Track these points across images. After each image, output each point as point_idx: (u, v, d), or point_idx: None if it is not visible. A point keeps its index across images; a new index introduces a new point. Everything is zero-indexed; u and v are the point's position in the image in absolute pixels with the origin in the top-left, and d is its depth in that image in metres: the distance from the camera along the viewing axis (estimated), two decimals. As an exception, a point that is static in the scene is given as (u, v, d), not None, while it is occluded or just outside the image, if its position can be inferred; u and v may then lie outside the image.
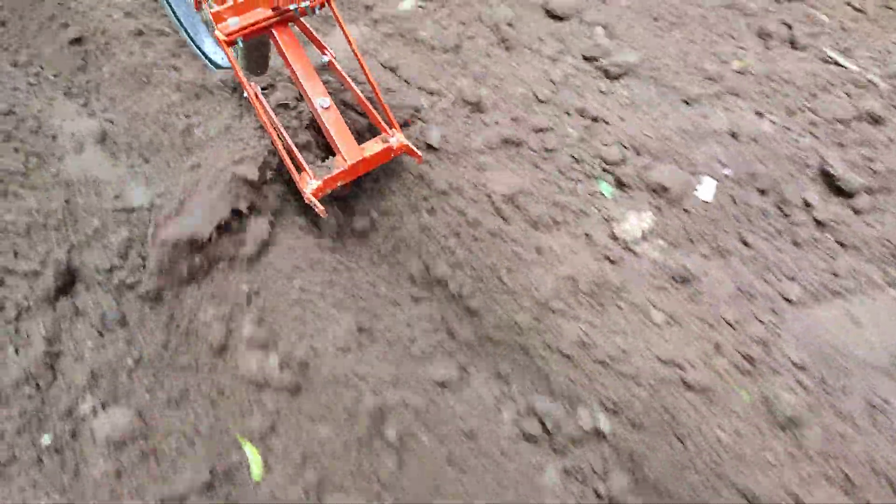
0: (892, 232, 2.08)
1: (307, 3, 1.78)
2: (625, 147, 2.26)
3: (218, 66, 2.34)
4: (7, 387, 1.63)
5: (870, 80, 2.49)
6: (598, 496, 1.69)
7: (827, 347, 1.85)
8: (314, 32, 1.96)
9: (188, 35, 2.43)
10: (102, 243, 1.89)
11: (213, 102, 2.25)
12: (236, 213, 1.84)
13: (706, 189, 2.17)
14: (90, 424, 1.64)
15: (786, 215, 2.13)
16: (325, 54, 1.98)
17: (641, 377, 1.74)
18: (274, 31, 1.85)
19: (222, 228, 1.81)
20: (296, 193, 1.96)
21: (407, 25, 2.64)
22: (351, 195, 2.09)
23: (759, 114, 2.39)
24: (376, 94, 1.96)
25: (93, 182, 2.01)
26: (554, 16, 2.72)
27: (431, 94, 2.40)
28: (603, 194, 2.16)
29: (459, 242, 1.97)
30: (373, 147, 1.92)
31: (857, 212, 2.14)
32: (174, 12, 2.44)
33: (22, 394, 1.63)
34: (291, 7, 1.77)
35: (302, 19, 1.91)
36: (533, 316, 1.85)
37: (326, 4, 1.88)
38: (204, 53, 2.37)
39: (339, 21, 1.93)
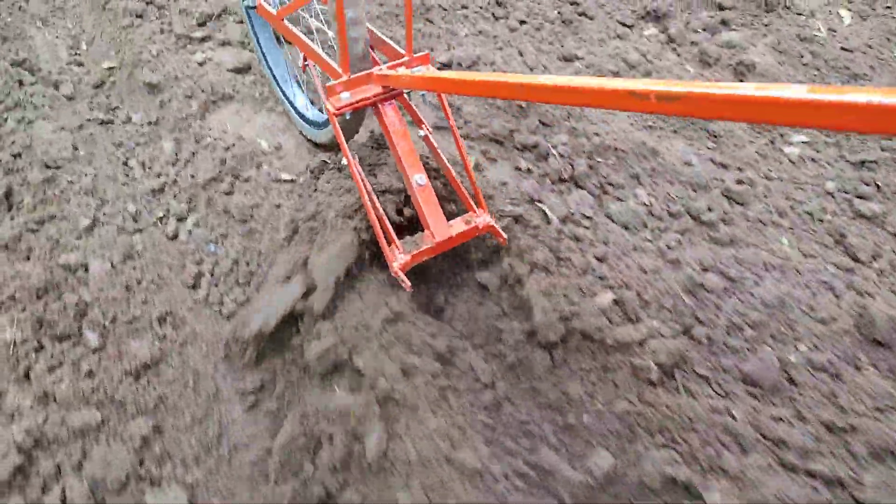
0: None
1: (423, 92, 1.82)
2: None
3: (307, 121, 2.39)
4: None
5: None
6: None
7: None
8: (415, 108, 2.00)
9: (281, 92, 2.50)
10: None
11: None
12: None
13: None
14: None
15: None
16: (423, 129, 2.02)
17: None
18: (379, 106, 1.90)
19: None
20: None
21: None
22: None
23: None
24: (468, 173, 1.99)
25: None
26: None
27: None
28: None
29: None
30: (459, 226, 1.95)
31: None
32: (268, 65, 2.51)
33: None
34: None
35: (405, 96, 1.96)
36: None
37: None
38: (296, 109, 2.43)
39: (442, 103, 1.98)
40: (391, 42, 1.95)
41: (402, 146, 1.89)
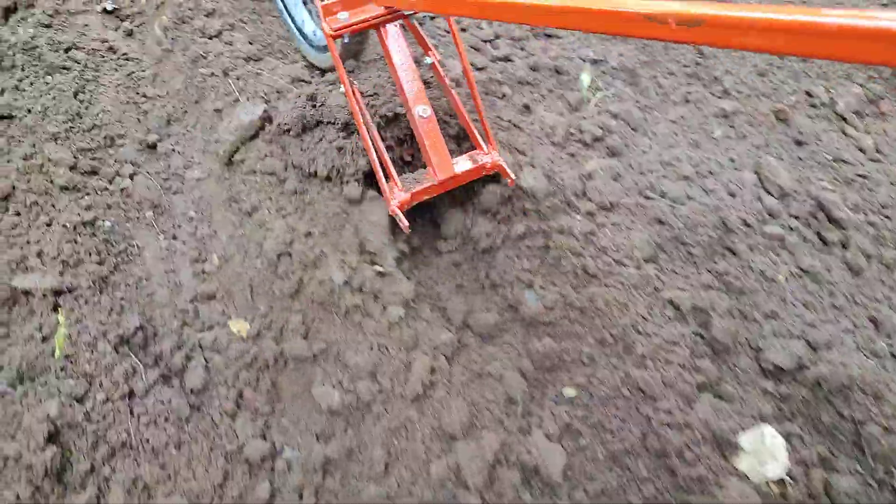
0: None
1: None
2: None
3: (312, 46, 2.24)
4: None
5: None
6: None
7: None
8: (421, 32, 1.84)
9: (289, 16, 2.34)
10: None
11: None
12: None
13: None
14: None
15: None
16: (430, 56, 1.86)
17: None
18: (381, 29, 1.75)
19: None
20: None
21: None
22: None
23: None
24: (478, 108, 1.84)
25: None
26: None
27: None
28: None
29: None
30: (465, 164, 1.82)
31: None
32: (287, 9, 2.34)
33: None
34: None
35: (412, 19, 1.80)
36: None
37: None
38: (302, 33, 2.27)
39: (451, 28, 1.81)
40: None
41: (405, 74, 1.75)
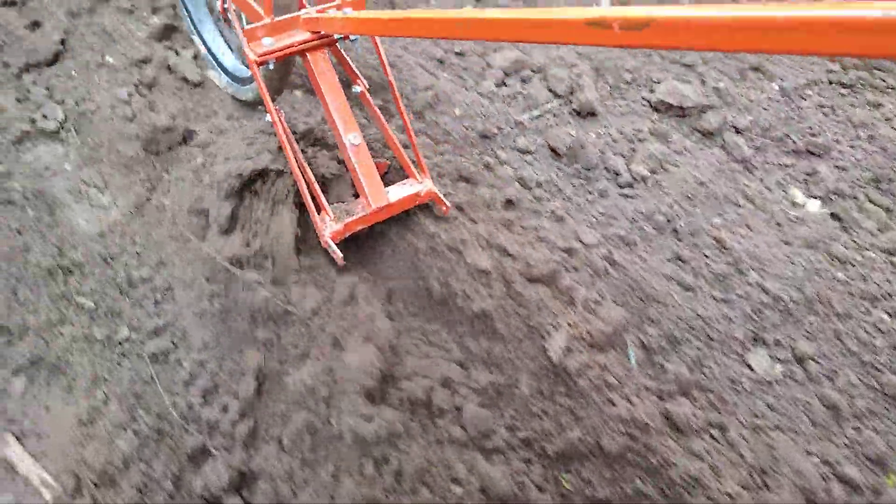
0: None
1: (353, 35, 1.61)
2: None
3: (233, 78, 2.16)
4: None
5: None
6: None
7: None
8: (349, 61, 1.80)
9: (204, 45, 2.24)
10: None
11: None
12: None
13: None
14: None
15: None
16: (358, 84, 1.82)
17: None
18: (308, 56, 1.69)
19: None
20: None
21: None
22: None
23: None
24: (409, 134, 1.81)
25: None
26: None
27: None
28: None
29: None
30: (399, 192, 1.77)
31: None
32: (190, 16, 2.25)
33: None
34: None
35: (339, 45, 1.76)
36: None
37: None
38: (223, 67, 2.19)
39: (379, 54, 1.78)
40: (322, -15, 1.73)
41: (333, 101, 1.69)
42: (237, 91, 2.18)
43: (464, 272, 1.74)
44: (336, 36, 1.62)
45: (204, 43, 2.21)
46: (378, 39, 1.77)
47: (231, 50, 2.21)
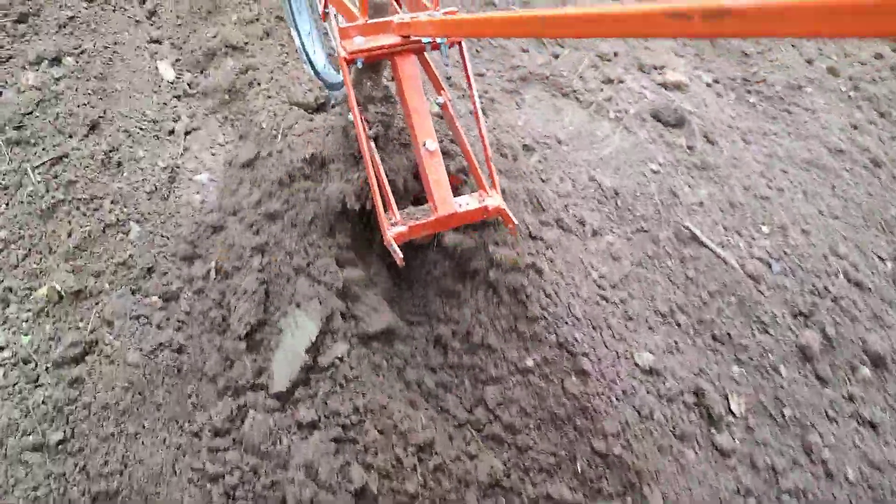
0: None
1: (442, 39, 1.65)
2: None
3: (320, 78, 2.25)
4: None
5: None
6: None
7: None
8: (435, 71, 1.83)
9: (299, 38, 2.35)
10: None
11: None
12: None
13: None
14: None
15: None
16: (442, 96, 1.85)
17: None
18: (396, 59, 1.74)
19: None
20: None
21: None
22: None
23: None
24: (485, 149, 1.81)
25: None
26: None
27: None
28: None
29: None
30: (467, 203, 1.77)
31: None
32: (293, 16, 2.37)
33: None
34: (424, 40, 1.65)
35: (427, 55, 1.80)
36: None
37: (457, 45, 1.76)
38: (313, 66, 2.29)
39: (465, 65, 1.81)
40: (421, -4, 1.79)
41: (415, 106, 1.72)
42: (331, 95, 2.27)
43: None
44: (424, 41, 1.66)
45: (299, 36, 2.31)
46: (466, 52, 1.79)
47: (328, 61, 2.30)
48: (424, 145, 1.71)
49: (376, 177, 1.71)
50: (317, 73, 2.27)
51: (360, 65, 1.69)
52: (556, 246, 2.19)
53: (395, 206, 1.70)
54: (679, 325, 2.18)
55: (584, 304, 2.12)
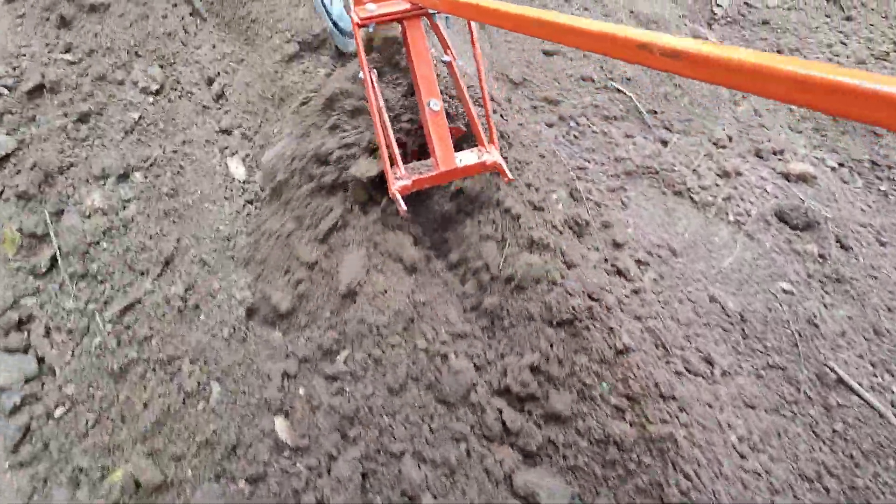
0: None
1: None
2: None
3: (339, 30, 2.35)
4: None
5: None
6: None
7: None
8: (443, 32, 1.95)
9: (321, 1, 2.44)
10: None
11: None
12: None
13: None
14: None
15: None
16: (448, 55, 1.98)
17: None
18: (405, 23, 1.86)
19: None
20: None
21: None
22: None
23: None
24: (486, 107, 1.95)
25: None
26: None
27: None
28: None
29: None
30: (467, 158, 1.93)
31: None
32: None
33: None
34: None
35: (435, 18, 1.91)
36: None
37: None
38: (329, 14, 2.38)
39: (470, 27, 1.93)
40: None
41: (421, 67, 1.86)
42: (337, 40, 2.37)
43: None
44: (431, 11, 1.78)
45: (323, 4, 2.41)
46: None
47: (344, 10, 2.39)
48: (429, 105, 1.86)
49: (384, 135, 1.87)
50: (333, 21, 2.37)
51: (371, 29, 1.82)
52: (689, 406, 1.88)
53: (400, 162, 1.86)
54: (828, 491, 1.86)
55: (729, 484, 1.79)
